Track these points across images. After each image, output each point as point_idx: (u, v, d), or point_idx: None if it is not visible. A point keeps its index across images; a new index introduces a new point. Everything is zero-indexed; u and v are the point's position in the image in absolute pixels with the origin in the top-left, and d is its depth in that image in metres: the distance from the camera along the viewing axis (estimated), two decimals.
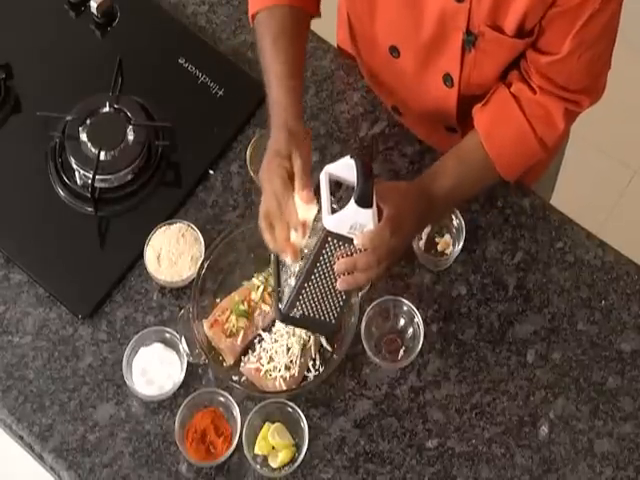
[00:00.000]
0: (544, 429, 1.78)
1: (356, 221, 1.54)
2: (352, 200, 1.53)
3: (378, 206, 1.57)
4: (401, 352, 1.81)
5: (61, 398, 1.80)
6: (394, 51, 1.76)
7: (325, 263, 1.58)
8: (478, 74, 1.73)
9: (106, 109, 1.93)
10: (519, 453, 1.77)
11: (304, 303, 1.59)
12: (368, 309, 1.79)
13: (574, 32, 1.59)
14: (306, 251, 1.59)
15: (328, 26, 2.05)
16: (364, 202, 1.53)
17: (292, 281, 1.60)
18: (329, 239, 1.56)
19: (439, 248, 1.87)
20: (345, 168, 1.56)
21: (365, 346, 1.78)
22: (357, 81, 2.00)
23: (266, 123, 1.94)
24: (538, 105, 1.69)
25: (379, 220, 1.57)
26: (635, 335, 1.84)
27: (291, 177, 1.60)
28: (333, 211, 1.55)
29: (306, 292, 1.59)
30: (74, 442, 1.78)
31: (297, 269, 1.59)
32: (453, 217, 1.84)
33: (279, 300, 1.61)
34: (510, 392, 1.80)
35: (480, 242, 1.89)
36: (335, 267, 1.57)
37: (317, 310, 1.60)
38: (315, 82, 2.00)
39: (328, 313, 1.61)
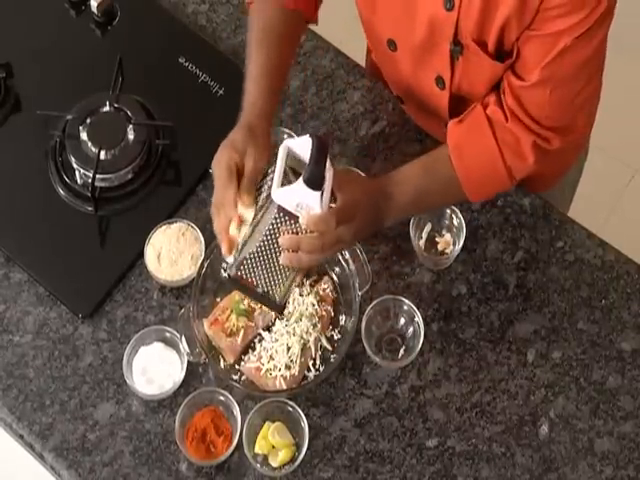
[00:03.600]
0: (544, 428, 1.78)
1: (303, 200, 1.53)
2: (301, 178, 1.52)
3: (334, 193, 1.57)
4: (401, 351, 1.81)
5: (61, 397, 1.80)
6: (391, 44, 1.76)
7: (274, 235, 1.58)
8: (468, 82, 1.72)
9: (106, 108, 1.94)
10: (519, 452, 1.77)
11: (249, 269, 1.59)
12: (368, 308, 1.79)
13: (545, 62, 1.58)
14: (257, 218, 1.59)
15: (328, 26, 2.05)
16: (312, 183, 1.52)
17: (239, 245, 1.60)
18: (276, 212, 1.56)
19: (439, 247, 1.87)
20: (304, 146, 1.55)
21: (365, 345, 1.78)
22: (357, 80, 2.01)
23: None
24: (510, 133, 1.66)
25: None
26: (635, 334, 1.84)
27: (239, 171, 1.61)
28: (283, 185, 1.54)
29: (252, 258, 1.59)
30: (74, 441, 1.78)
31: (247, 235, 1.59)
32: (453, 216, 1.84)
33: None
34: (510, 391, 1.80)
35: (480, 241, 1.89)
36: (279, 240, 1.58)
37: (262, 280, 1.61)
38: (315, 81, 2.01)
39: (273, 287, 1.62)
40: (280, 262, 1.59)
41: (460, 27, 1.62)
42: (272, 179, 1.56)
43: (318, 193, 1.53)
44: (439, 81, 1.75)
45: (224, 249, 1.59)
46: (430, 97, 1.81)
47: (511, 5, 1.54)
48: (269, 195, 1.56)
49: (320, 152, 1.52)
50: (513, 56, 1.62)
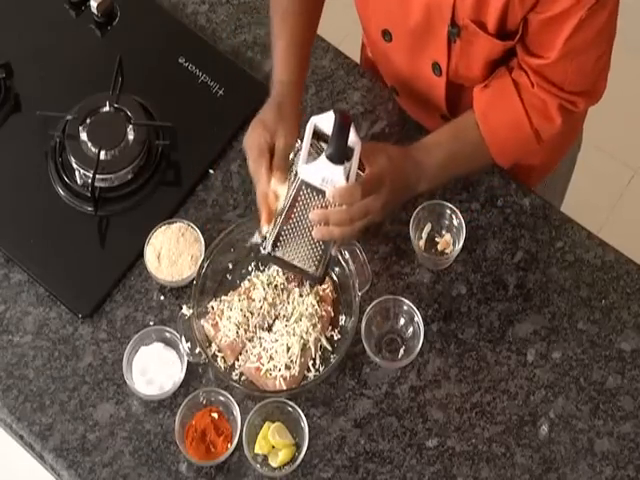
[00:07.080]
0: (544, 428, 1.78)
1: (327, 175, 1.56)
2: (324, 154, 1.55)
3: (363, 165, 1.58)
4: (401, 351, 1.81)
5: (61, 397, 1.80)
6: (386, 35, 1.77)
7: (306, 211, 1.61)
8: (465, 66, 1.73)
9: (106, 108, 1.93)
10: (519, 452, 1.77)
11: (285, 245, 1.64)
12: (368, 309, 1.79)
13: (563, 39, 1.58)
14: (289, 195, 1.63)
15: (328, 26, 2.05)
16: (334, 158, 1.55)
17: (274, 222, 1.64)
18: (303, 187, 1.59)
19: (439, 247, 1.87)
20: (329, 121, 1.58)
21: (365, 345, 1.78)
22: (357, 80, 2.01)
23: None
24: (536, 96, 1.69)
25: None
26: (635, 334, 1.84)
27: (270, 149, 1.66)
28: (309, 161, 1.57)
29: (286, 234, 1.63)
30: (74, 441, 1.78)
31: (281, 212, 1.64)
32: (453, 216, 1.84)
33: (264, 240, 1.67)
34: (510, 391, 1.80)
35: (480, 241, 1.89)
36: (309, 215, 1.60)
37: (298, 254, 1.65)
38: (315, 81, 2.00)
39: (310, 260, 1.66)
40: (313, 236, 1.62)
41: (457, 8, 1.62)
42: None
43: (341, 167, 1.55)
44: (435, 67, 1.76)
45: (263, 219, 1.65)
46: (426, 86, 1.82)
47: None
48: (297, 172, 1.59)
49: (342, 127, 1.55)
50: (515, 38, 1.62)
